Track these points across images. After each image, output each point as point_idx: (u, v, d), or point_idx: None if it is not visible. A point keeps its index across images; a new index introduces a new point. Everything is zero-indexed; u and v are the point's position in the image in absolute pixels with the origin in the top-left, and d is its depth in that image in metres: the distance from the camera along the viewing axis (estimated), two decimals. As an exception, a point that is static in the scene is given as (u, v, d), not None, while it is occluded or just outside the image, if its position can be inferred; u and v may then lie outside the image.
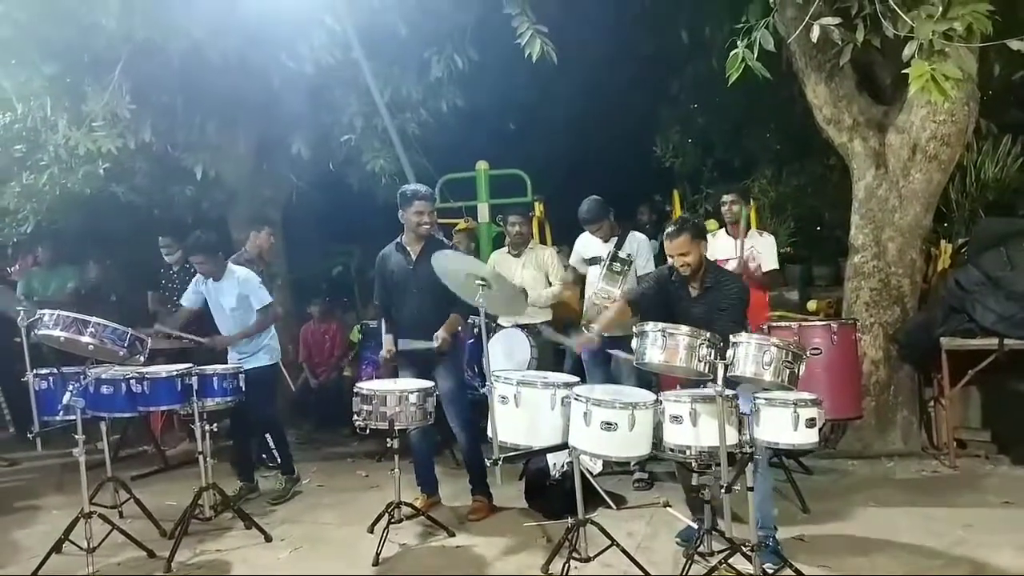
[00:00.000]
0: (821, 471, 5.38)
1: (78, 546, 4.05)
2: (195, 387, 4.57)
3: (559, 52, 5.56)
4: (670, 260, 3.91)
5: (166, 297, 6.85)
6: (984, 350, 5.30)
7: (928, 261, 6.11)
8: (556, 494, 4.53)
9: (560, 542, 3.82)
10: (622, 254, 5.01)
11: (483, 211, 7.07)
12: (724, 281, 3.96)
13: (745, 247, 5.35)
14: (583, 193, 5.32)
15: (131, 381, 4.51)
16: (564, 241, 6.48)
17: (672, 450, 3.55)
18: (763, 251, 5.40)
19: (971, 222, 6.24)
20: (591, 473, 4.36)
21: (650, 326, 3.51)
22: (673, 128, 8.76)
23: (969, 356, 5.38)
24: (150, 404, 4.63)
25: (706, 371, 3.36)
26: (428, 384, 4.42)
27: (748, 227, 5.46)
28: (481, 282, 3.91)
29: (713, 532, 3.71)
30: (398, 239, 4.88)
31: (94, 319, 4.10)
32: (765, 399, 3.44)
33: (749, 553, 3.38)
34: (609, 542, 3.78)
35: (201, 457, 4.64)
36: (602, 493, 4.45)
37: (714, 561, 3.53)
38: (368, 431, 4.33)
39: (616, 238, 5.22)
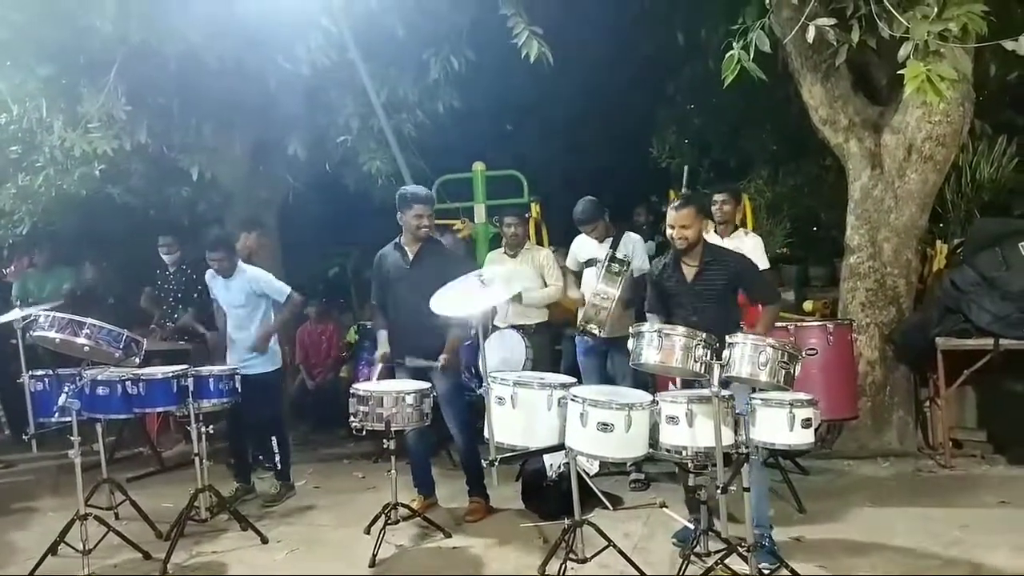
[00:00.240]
0: (817, 471, 5.38)
1: (74, 548, 4.04)
2: (191, 388, 4.57)
3: (556, 53, 5.56)
4: (669, 232, 3.91)
5: (161, 298, 6.84)
6: (980, 350, 5.31)
7: (924, 261, 6.12)
8: (553, 495, 4.53)
9: (557, 543, 3.81)
10: (619, 255, 5.01)
11: (480, 212, 7.07)
12: (723, 258, 3.98)
13: (731, 247, 5.33)
14: (579, 194, 5.32)
15: (127, 383, 4.51)
16: (561, 242, 6.48)
17: (668, 451, 3.55)
18: (747, 251, 5.38)
19: (966, 222, 6.25)
20: (588, 474, 4.36)
21: (646, 327, 3.52)
22: (670, 129, 8.76)
23: (965, 356, 5.39)
24: (146, 406, 4.64)
25: (702, 371, 3.36)
26: (425, 385, 4.42)
27: (735, 227, 5.45)
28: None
29: (709, 533, 3.71)
30: (397, 239, 4.88)
31: (90, 320, 4.10)
32: (761, 399, 3.44)
33: (745, 553, 3.38)
34: (606, 543, 3.78)
35: (197, 459, 4.63)
36: (599, 494, 4.45)
37: (710, 562, 3.54)
38: (364, 432, 4.33)
39: (611, 239, 5.22)
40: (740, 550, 3.41)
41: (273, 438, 5.41)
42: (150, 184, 7.29)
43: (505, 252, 5.78)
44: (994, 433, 5.73)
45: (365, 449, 6.46)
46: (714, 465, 3.37)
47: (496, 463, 3.77)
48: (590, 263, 5.22)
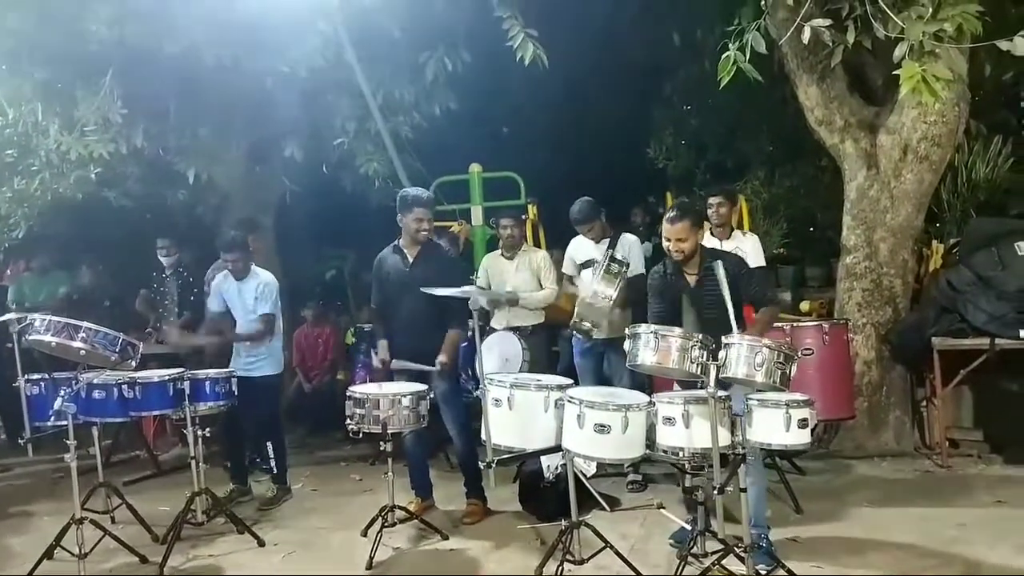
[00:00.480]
0: (814, 472, 5.38)
1: (70, 552, 4.02)
2: (187, 392, 4.56)
3: (552, 55, 5.56)
4: (666, 244, 3.91)
5: (156, 301, 6.83)
6: (976, 350, 5.31)
7: (920, 261, 6.14)
8: (550, 496, 4.53)
9: (554, 544, 3.80)
10: (619, 256, 5.01)
11: (477, 214, 7.07)
12: (726, 262, 3.96)
13: (729, 248, 5.34)
14: (576, 195, 5.32)
15: (123, 386, 4.50)
16: (558, 243, 6.49)
17: (665, 452, 3.55)
18: (748, 251, 5.39)
19: (962, 222, 6.26)
20: (585, 475, 4.36)
21: (643, 328, 3.51)
22: (666, 130, 8.78)
23: (961, 356, 5.40)
24: (142, 409, 4.62)
25: (698, 372, 3.36)
26: (421, 387, 4.41)
27: (732, 228, 5.46)
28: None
29: (707, 533, 3.71)
30: (396, 241, 4.88)
31: (85, 324, 4.08)
32: (757, 400, 3.44)
33: (742, 554, 3.38)
34: (603, 544, 3.78)
35: (193, 462, 4.62)
36: (596, 495, 4.45)
37: (708, 562, 3.54)
38: (361, 435, 4.32)
39: (608, 240, 5.22)
40: (737, 551, 3.42)
41: (269, 442, 5.40)
42: (146, 187, 7.29)
43: (502, 254, 5.78)
44: (990, 433, 5.74)
45: (362, 451, 6.45)
46: (711, 466, 3.37)
47: (493, 465, 3.77)
48: (587, 264, 5.21)
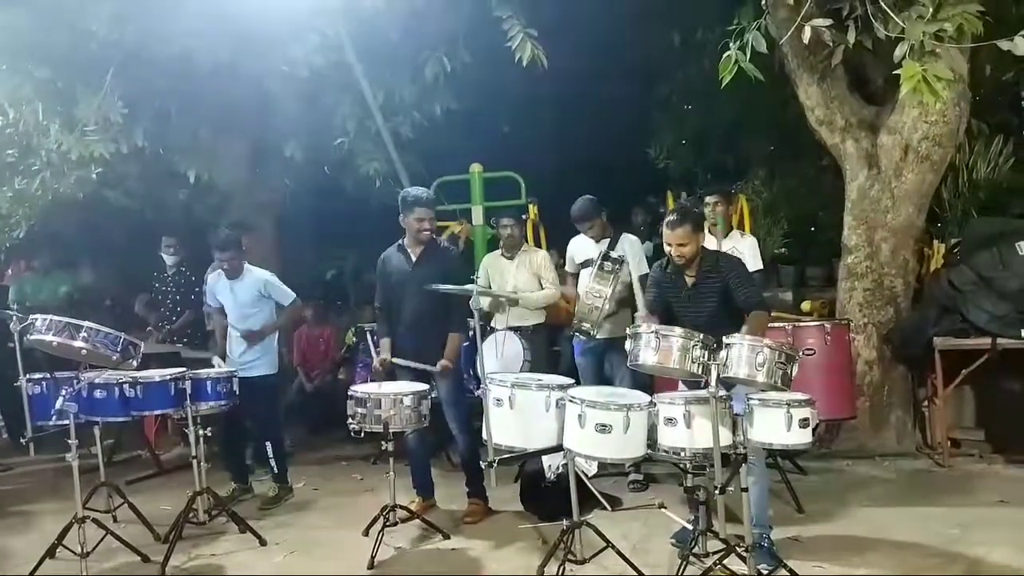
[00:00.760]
0: (815, 471, 5.38)
1: (72, 551, 4.03)
2: (188, 391, 4.56)
3: (552, 55, 5.56)
4: (667, 249, 3.91)
5: (158, 300, 6.84)
6: (977, 350, 5.31)
7: (921, 261, 6.13)
8: (551, 496, 4.52)
9: (555, 544, 3.80)
10: (614, 254, 5.01)
11: (477, 213, 7.07)
12: (722, 265, 3.97)
13: (726, 248, 5.34)
14: (577, 195, 5.32)
15: (124, 385, 4.50)
16: (559, 243, 6.49)
17: (667, 452, 3.55)
18: (745, 252, 5.38)
19: (963, 222, 6.25)
20: (586, 475, 4.35)
21: (643, 328, 3.51)
22: (667, 130, 8.77)
23: (962, 356, 5.40)
24: (143, 408, 4.62)
25: (700, 372, 3.36)
26: (423, 387, 4.41)
27: (730, 229, 5.45)
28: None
29: (708, 533, 3.71)
30: (400, 241, 4.88)
31: (87, 323, 4.09)
32: (758, 400, 3.44)
33: (744, 554, 3.38)
34: (604, 544, 3.78)
35: (195, 461, 4.62)
36: (597, 495, 4.45)
37: (709, 562, 3.54)
38: (363, 434, 4.32)
39: (608, 239, 5.22)
40: (739, 550, 3.42)
41: (268, 442, 5.40)
42: (147, 187, 7.29)
43: (502, 254, 5.78)
44: (992, 432, 5.74)
45: (363, 451, 6.45)
46: (712, 466, 3.37)
47: (495, 464, 3.77)
48: (587, 264, 5.21)
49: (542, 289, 5.58)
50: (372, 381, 4.95)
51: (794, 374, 3.36)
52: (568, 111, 8.91)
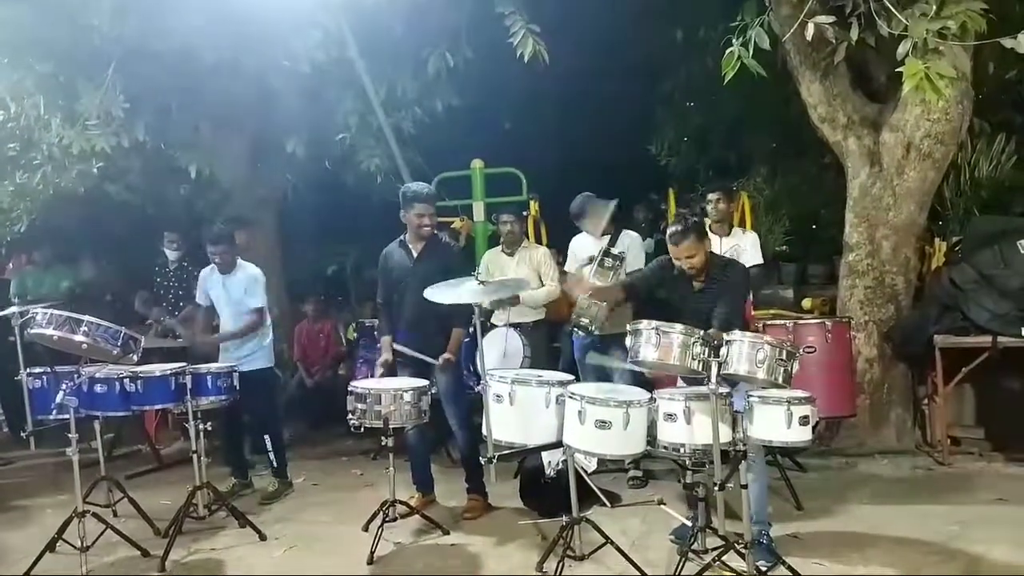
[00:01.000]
0: (815, 469, 5.38)
1: (72, 545, 4.04)
2: (189, 386, 4.56)
3: (554, 51, 5.55)
4: (677, 263, 3.89)
5: (160, 295, 6.83)
6: (978, 348, 5.31)
7: (922, 259, 6.13)
8: (551, 492, 4.52)
9: (555, 540, 3.81)
10: (614, 250, 5.01)
11: (479, 209, 7.06)
12: (728, 274, 3.96)
13: (728, 245, 5.34)
14: (578, 191, 5.32)
15: (125, 380, 4.50)
16: (560, 238, 6.48)
17: (666, 448, 3.55)
18: (747, 248, 5.38)
19: (965, 220, 6.25)
20: (586, 471, 4.36)
21: (644, 324, 3.50)
22: (669, 127, 8.77)
23: (963, 354, 5.39)
24: (144, 403, 4.63)
25: (700, 369, 3.36)
26: (423, 383, 4.41)
27: (731, 225, 5.44)
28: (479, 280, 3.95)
29: (707, 530, 3.71)
30: (402, 236, 4.87)
31: (87, 318, 4.09)
32: (759, 397, 3.44)
33: (743, 550, 3.38)
34: (604, 540, 3.78)
35: (195, 456, 4.62)
36: (597, 491, 4.45)
37: (708, 558, 3.54)
38: (363, 430, 4.33)
39: (609, 236, 5.22)
40: (738, 547, 3.42)
41: (267, 436, 5.40)
42: (148, 182, 7.28)
43: (503, 251, 5.78)
44: (992, 431, 5.74)
45: (363, 446, 6.47)
46: (712, 462, 3.37)
47: (494, 461, 3.77)
48: (588, 261, 5.20)
49: (543, 286, 5.58)
50: (373, 376, 4.95)
51: (794, 371, 3.36)
52: (570, 107, 8.90)
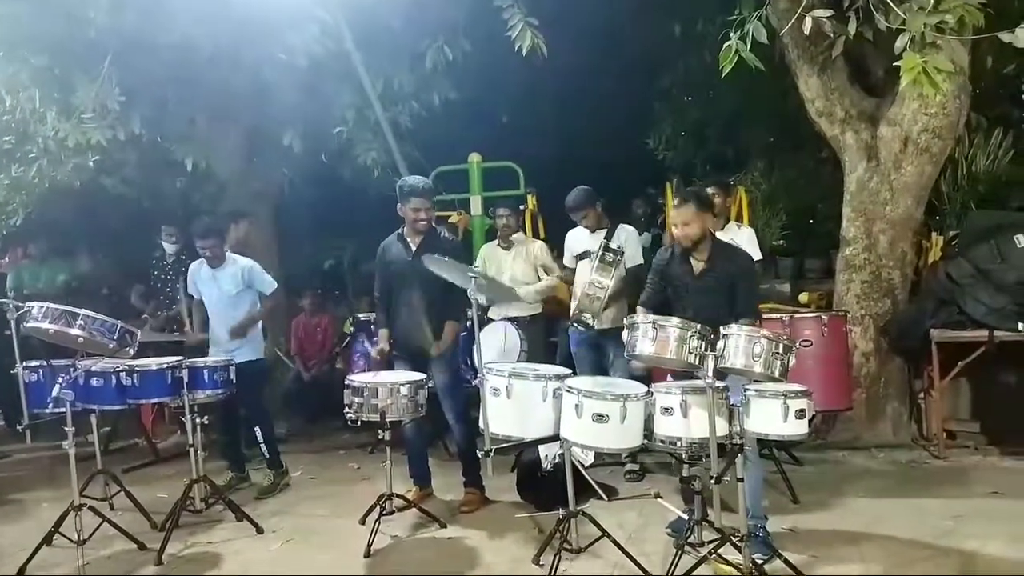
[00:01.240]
0: (811, 462, 5.40)
1: (68, 538, 4.04)
2: (186, 380, 4.56)
3: (552, 45, 5.53)
4: (673, 229, 3.90)
5: (158, 289, 6.82)
6: (974, 342, 5.33)
7: (919, 253, 6.14)
8: (548, 486, 4.54)
9: (551, 533, 3.82)
10: (614, 245, 5.00)
11: (476, 204, 7.06)
12: (732, 255, 3.96)
13: (724, 240, 5.32)
14: (576, 185, 5.31)
15: (121, 374, 4.50)
16: (558, 232, 6.48)
17: (663, 441, 3.56)
18: (743, 243, 5.37)
19: (962, 215, 6.26)
20: (582, 465, 4.36)
21: (640, 318, 3.51)
22: (666, 121, 8.76)
23: (959, 348, 5.41)
24: (140, 397, 4.62)
25: (696, 363, 3.36)
26: (420, 376, 4.42)
27: (727, 220, 5.44)
28: (474, 276, 3.94)
29: (704, 523, 3.72)
30: (400, 230, 4.86)
31: (83, 311, 4.08)
32: (755, 390, 3.44)
33: (739, 544, 3.39)
34: (600, 533, 3.79)
35: (192, 450, 4.62)
36: (593, 484, 4.46)
37: (704, 552, 3.55)
38: (360, 423, 4.33)
39: (605, 229, 5.21)
40: (734, 540, 3.42)
41: (257, 428, 5.40)
42: (144, 175, 7.26)
43: (499, 245, 5.77)
44: (988, 425, 5.75)
45: (360, 440, 6.47)
46: (708, 456, 3.38)
47: (491, 454, 3.77)
48: (584, 255, 5.20)
49: (539, 280, 5.57)
50: (371, 370, 4.95)
51: (791, 365, 3.37)
52: (568, 101, 8.89)
